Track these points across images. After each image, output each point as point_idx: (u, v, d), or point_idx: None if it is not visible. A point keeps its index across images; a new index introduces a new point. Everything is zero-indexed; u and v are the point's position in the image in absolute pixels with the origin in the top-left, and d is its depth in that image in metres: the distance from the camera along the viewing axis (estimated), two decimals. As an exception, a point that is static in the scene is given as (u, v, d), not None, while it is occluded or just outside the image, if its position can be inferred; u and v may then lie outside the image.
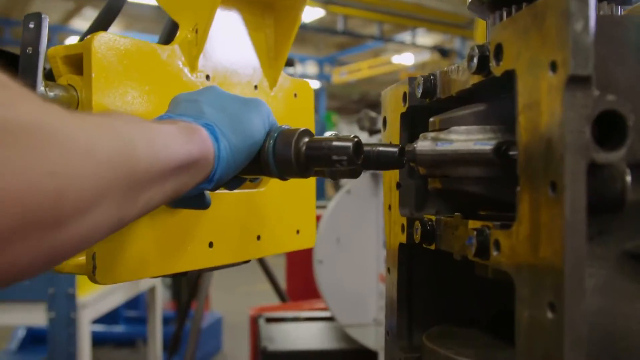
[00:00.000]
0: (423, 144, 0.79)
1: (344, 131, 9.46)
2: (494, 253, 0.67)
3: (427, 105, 0.93)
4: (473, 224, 0.74)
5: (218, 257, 1.16)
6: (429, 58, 14.18)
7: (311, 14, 12.00)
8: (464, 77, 0.80)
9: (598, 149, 0.56)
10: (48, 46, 0.96)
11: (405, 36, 13.72)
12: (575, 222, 0.54)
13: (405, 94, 0.96)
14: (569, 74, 0.54)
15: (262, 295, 5.37)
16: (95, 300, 3.24)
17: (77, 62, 0.95)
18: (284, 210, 1.33)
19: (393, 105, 1.02)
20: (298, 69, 15.56)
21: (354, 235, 2.58)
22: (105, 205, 0.62)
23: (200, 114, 0.89)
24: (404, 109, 0.97)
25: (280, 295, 4.29)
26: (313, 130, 1.00)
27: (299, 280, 4.56)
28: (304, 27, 12.15)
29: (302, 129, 0.95)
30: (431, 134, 0.81)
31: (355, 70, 14.70)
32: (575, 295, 0.54)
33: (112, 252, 0.95)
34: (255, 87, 1.26)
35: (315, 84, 16.29)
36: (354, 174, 0.96)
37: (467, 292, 1.01)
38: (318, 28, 12.91)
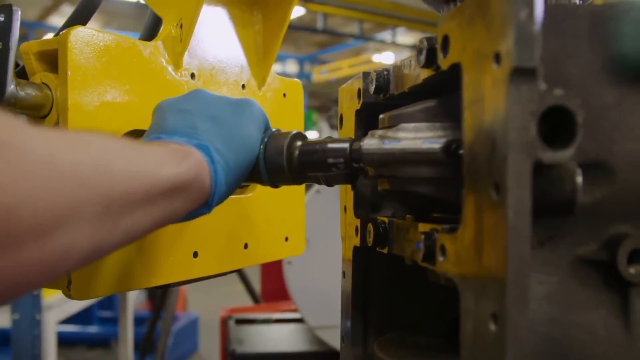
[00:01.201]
0: (369, 142, 0.74)
1: (324, 130, 9.38)
2: (440, 259, 0.63)
3: (382, 101, 0.89)
4: (423, 227, 0.70)
5: (203, 268, 1.10)
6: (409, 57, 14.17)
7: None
8: (415, 71, 0.76)
9: (545, 148, 0.51)
10: (23, 43, 0.90)
11: (386, 35, 13.72)
12: (518, 227, 0.50)
13: (359, 90, 0.92)
14: (513, 65, 0.50)
15: (240, 295, 5.32)
16: (61, 301, 3.15)
17: (52, 59, 0.89)
18: (273, 217, 1.27)
19: (348, 102, 0.98)
20: (278, 67, 15.49)
21: (324, 236, 2.53)
22: (76, 227, 0.55)
23: (193, 130, 0.82)
24: (358, 106, 0.92)
25: (253, 297, 4.24)
26: (302, 131, 0.93)
27: (273, 281, 4.50)
28: (284, 26, 12.06)
29: (294, 132, 0.88)
30: (379, 132, 0.76)
31: (335, 69, 14.66)
32: (518, 305, 0.50)
33: (89, 265, 0.89)
34: (243, 86, 1.21)
35: (295, 83, 16.17)
36: (350, 179, 0.89)
37: (426, 297, 0.97)
38: (298, 26, 12.85)
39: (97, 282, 0.90)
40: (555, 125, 0.54)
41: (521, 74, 0.50)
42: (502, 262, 0.50)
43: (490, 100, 0.53)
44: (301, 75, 16.08)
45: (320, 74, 15.14)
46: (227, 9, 1.17)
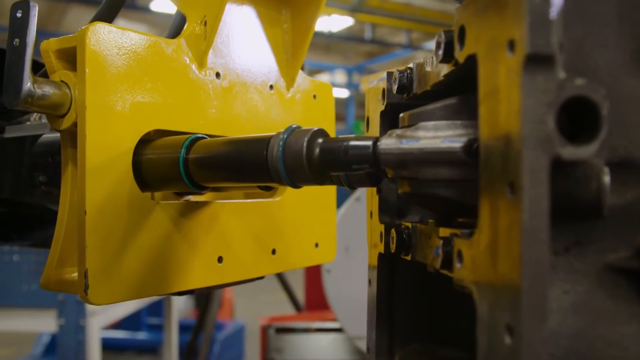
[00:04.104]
0: (387, 142, 0.70)
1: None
2: (457, 265, 0.59)
3: (406, 102, 0.85)
4: (443, 232, 0.66)
5: (228, 274, 1.08)
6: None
7: (339, 22, 11.95)
8: (437, 68, 0.72)
9: (564, 143, 0.47)
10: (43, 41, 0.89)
11: (434, 44, 13.60)
12: (534, 230, 0.46)
13: (384, 90, 0.88)
14: (527, 52, 0.45)
15: (286, 303, 5.32)
16: (105, 307, 3.20)
17: (72, 57, 0.87)
18: (302, 222, 1.24)
19: (374, 104, 0.94)
20: (326, 77, 15.51)
21: (364, 244, 2.49)
22: None
23: None
24: (382, 107, 0.88)
25: (296, 305, 4.21)
26: (333, 135, 0.88)
27: (317, 289, 4.47)
28: (332, 36, 12.12)
29: (316, 128, 0.83)
30: (397, 131, 0.72)
31: (384, 79, 14.58)
32: (535, 317, 0.45)
33: (108, 268, 0.87)
34: (271, 87, 1.18)
35: (344, 93, 16.22)
36: (374, 181, 0.84)
37: (453, 307, 0.92)
38: (346, 37, 12.86)
39: (116, 287, 0.89)
40: (579, 118, 0.49)
41: (536, 61, 0.46)
42: (516, 268, 0.46)
43: (504, 91, 0.49)
44: (350, 85, 16.07)
45: (369, 84, 15.07)
46: (254, 7, 1.15)
